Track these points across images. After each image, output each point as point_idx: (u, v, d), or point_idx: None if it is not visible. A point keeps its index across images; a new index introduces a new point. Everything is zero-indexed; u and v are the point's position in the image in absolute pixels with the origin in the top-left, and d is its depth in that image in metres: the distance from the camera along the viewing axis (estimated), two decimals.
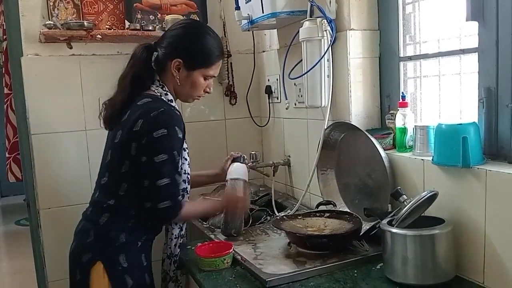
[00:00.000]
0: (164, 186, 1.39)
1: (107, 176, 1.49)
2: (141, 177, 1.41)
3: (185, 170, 1.56)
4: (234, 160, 1.75)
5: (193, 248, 1.53)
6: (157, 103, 1.46)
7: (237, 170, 1.69)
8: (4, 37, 2.34)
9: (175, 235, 1.58)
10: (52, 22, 1.93)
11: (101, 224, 1.45)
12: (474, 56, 1.29)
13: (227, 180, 1.66)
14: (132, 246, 1.47)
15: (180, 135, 1.43)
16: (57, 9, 1.99)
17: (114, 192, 1.46)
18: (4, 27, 2.28)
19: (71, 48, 2.03)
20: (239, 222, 1.64)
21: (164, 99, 1.50)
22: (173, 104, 1.52)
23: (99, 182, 1.54)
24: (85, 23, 1.96)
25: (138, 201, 1.44)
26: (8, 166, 2.50)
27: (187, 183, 1.58)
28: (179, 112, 1.49)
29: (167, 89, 1.53)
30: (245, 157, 1.81)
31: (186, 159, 1.57)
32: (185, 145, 1.54)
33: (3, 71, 2.46)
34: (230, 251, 1.43)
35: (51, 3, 1.98)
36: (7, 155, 2.50)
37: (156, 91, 1.51)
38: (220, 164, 1.81)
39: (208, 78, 1.55)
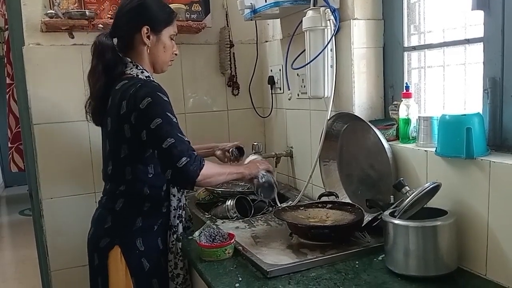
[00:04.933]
0: (171, 145, 1.37)
1: (111, 165, 1.53)
2: (153, 151, 1.44)
3: None
4: (239, 149, 1.85)
5: (194, 238, 1.53)
6: (133, 81, 1.47)
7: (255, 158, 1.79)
8: (6, 26, 2.33)
9: (174, 206, 1.58)
10: (53, 11, 1.92)
11: (117, 209, 1.51)
12: (479, 46, 1.28)
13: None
14: (149, 230, 1.52)
15: (166, 99, 1.43)
16: None
17: (122, 178, 1.50)
18: (6, 17, 2.28)
19: (72, 37, 2.02)
20: (268, 185, 1.61)
21: (141, 77, 1.52)
22: (151, 79, 1.54)
23: (106, 173, 1.57)
24: (86, 12, 1.94)
25: (147, 181, 1.49)
26: (10, 156, 2.51)
27: None
28: (158, 83, 1.49)
29: (141, 67, 1.54)
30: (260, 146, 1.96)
31: None
32: None
33: (5, 61, 2.45)
34: (232, 241, 1.43)
35: None
36: (9, 145, 2.51)
37: (131, 72, 1.53)
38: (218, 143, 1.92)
39: (173, 38, 1.60)
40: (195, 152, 1.42)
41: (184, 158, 1.37)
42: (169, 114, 1.41)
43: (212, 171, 1.46)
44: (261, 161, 1.70)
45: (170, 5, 2.08)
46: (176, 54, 1.63)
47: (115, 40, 1.54)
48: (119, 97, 1.45)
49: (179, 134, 1.41)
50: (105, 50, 1.52)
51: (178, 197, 1.59)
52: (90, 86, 1.57)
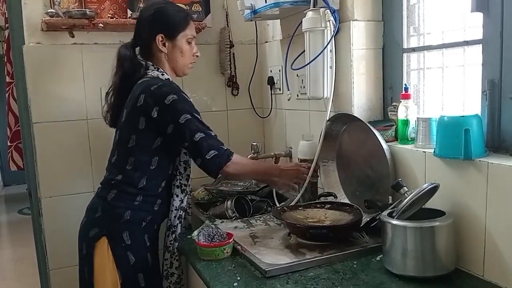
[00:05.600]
0: (202, 139, 1.48)
1: (116, 154, 1.58)
2: (181, 143, 1.53)
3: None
4: None
5: (193, 237, 1.53)
6: (155, 80, 1.54)
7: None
8: (6, 25, 2.34)
9: (176, 207, 1.61)
10: (54, 11, 1.92)
11: (109, 200, 1.54)
12: (478, 48, 1.28)
13: None
14: (136, 225, 1.54)
15: (190, 100, 1.53)
16: None
17: (122, 167, 1.54)
18: (6, 16, 2.28)
19: (73, 36, 2.02)
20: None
21: (162, 78, 1.58)
22: (171, 80, 1.61)
23: (110, 162, 1.61)
24: (87, 12, 1.94)
25: (147, 173, 1.53)
26: (9, 154, 2.52)
27: (187, 156, 1.63)
28: (178, 86, 1.56)
29: (162, 70, 1.61)
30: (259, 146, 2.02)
31: None
32: None
33: (5, 60, 2.46)
34: (230, 241, 1.43)
35: None
36: (8, 144, 2.51)
37: (152, 74, 1.58)
38: None
39: (191, 42, 1.65)
40: (224, 147, 1.52)
41: (212, 151, 1.48)
42: (195, 113, 1.50)
43: (238, 169, 1.55)
44: (302, 171, 1.69)
45: None
46: (197, 56, 1.69)
47: (137, 49, 1.63)
48: (139, 91, 1.51)
49: (209, 131, 1.51)
50: (123, 60, 1.60)
51: (181, 198, 1.61)
52: (113, 94, 1.65)
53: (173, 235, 1.61)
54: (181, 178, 1.62)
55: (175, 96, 1.48)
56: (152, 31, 1.59)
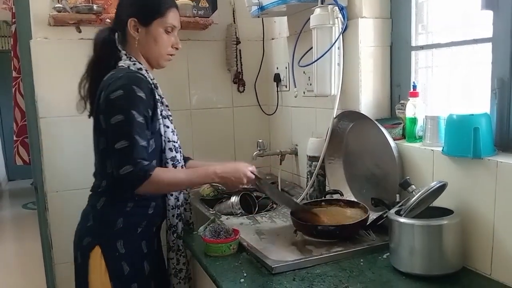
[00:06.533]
0: (122, 149, 1.29)
1: (96, 159, 1.49)
2: (107, 144, 1.36)
3: (168, 138, 1.48)
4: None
5: (199, 233, 1.53)
6: (119, 72, 1.39)
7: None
8: (13, 20, 2.34)
9: (172, 206, 1.52)
10: (61, 6, 1.92)
11: (99, 208, 1.44)
12: (487, 46, 1.27)
13: None
14: (131, 232, 1.44)
15: (140, 94, 1.33)
16: None
17: (103, 172, 1.43)
18: (13, 10, 2.28)
19: (80, 32, 2.03)
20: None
21: (132, 68, 1.43)
22: (143, 72, 1.44)
23: (94, 167, 1.52)
24: (94, 7, 1.95)
25: None
26: (15, 149, 2.52)
27: (174, 152, 1.49)
28: (145, 76, 1.41)
29: (134, 59, 1.46)
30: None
31: (168, 127, 1.49)
32: (167, 112, 1.51)
33: (12, 55, 2.46)
34: (237, 237, 1.43)
35: None
36: (14, 138, 2.52)
37: (124, 64, 1.45)
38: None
39: (169, 31, 1.48)
40: (145, 162, 1.31)
41: (128, 167, 1.28)
42: (134, 112, 1.31)
43: (158, 189, 1.39)
44: (242, 170, 1.47)
45: (177, 1, 2.10)
46: (177, 48, 1.53)
47: (117, 35, 1.49)
48: (100, 89, 1.40)
49: (136, 137, 1.30)
50: (99, 44, 1.49)
51: (176, 196, 1.53)
52: (89, 79, 1.52)
53: (175, 234, 1.55)
54: None
55: (121, 91, 1.31)
56: (126, 14, 1.45)
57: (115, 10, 1.54)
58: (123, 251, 1.41)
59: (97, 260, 1.42)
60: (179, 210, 1.55)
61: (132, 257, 1.43)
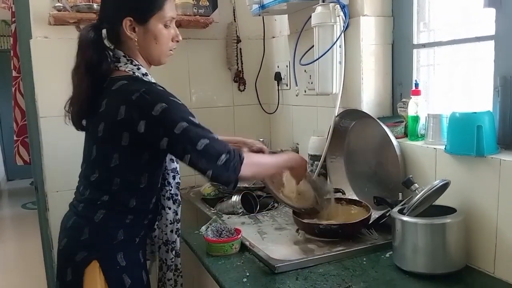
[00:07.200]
0: (207, 146, 1.24)
1: (97, 173, 1.33)
2: (181, 157, 1.27)
3: None
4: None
5: (201, 233, 1.53)
6: (134, 84, 1.27)
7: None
8: (13, 19, 2.33)
9: (170, 220, 1.44)
10: (61, 4, 1.91)
11: (97, 221, 1.31)
12: (490, 44, 1.27)
13: None
14: (130, 243, 1.37)
15: (180, 101, 1.27)
16: None
17: (108, 189, 1.32)
18: (13, 10, 2.28)
19: (80, 30, 2.02)
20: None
21: (139, 75, 1.32)
22: (150, 78, 1.35)
23: (87, 178, 1.36)
24: (94, 6, 1.94)
25: (136, 193, 1.33)
26: (16, 149, 2.52)
27: (175, 162, 1.45)
28: (162, 87, 1.32)
29: (136, 62, 1.34)
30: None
31: None
32: None
33: (11, 54, 2.45)
34: (239, 236, 1.43)
35: None
36: (15, 138, 2.51)
37: (126, 69, 1.32)
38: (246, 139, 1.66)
39: (168, 25, 1.35)
40: (230, 147, 1.29)
41: (223, 156, 1.24)
42: (191, 118, 1.25)
43: (253, 168, 1.33)
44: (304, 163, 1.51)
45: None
46: (178, 41, 1.39)
47: (104, 32, 1.33)
48: (118, 101, 1.25)
49: (211, 135, 1.27)
50: (86, 45, 1.33)
51: (174, 210, 1.45)
52: (73, 87, 1.38)
53: (173, 252, 1.47)
54: (170, 188, 1.43)
55: (164, 104, 1.21)
56: (118, 13, 1.30)
57: (101, 6, 1.37)
58: (124, 263, 1.33)
59: (95, 275, 1.30)
60: (178, 225, 1.47)
61: (132, 269, 1.36)
